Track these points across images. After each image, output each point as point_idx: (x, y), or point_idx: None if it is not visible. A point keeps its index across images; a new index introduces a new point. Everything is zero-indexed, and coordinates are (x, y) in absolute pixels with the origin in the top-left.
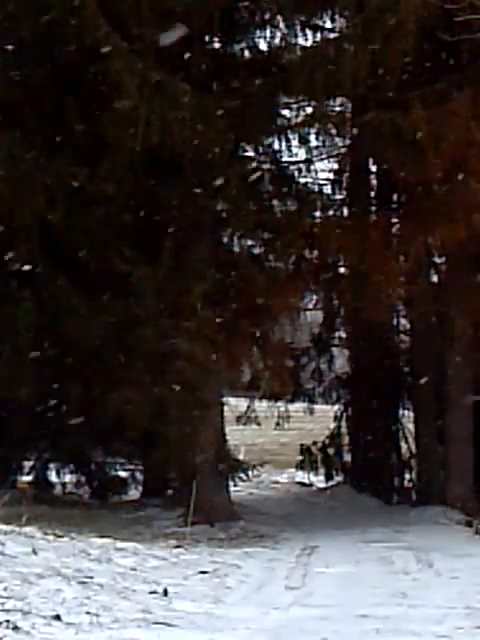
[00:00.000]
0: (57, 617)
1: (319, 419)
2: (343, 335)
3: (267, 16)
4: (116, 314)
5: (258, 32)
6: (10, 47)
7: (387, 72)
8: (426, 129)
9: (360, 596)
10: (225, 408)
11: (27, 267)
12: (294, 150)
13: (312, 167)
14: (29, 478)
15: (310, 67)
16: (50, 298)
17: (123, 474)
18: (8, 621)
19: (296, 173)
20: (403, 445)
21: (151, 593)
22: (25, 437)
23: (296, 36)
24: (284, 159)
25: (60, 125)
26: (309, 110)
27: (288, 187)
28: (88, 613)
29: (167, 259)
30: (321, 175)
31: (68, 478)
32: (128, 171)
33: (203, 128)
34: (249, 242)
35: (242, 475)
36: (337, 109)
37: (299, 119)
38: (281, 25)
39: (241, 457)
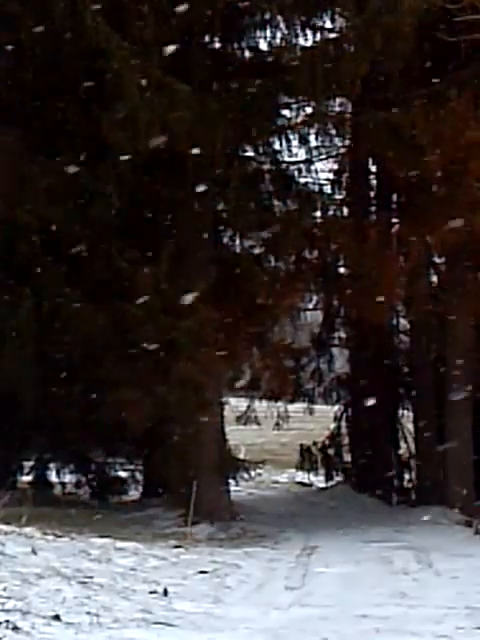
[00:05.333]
0: (57, 617)
1: (319, 419)
2: (343, 335)
3: (267, 16)
4: (116, 314)
5: (258, 32)
6: (10, 47)
7: (387, 72)
8: (426, 129)
9: (360, 596)
10: (225, 408)
11: (27, 267)
12: (294, 150)
13: (312, 167)
14: (29, 478)
15: (310, 67)
16: (50, 298)
17: (123, 474)
18: (8, 621)
19: (296, 173)
20: (403, 445)
21: (151, 593)
22: (25, 437)
23: (296, 36)
24: (284, 159)
25: (60, 125)
26: (309, 110)
27: (288, 187)
28: (88, 613)
29: (167, 259)
30: (321, 175)
31: (68, 478)
32: (128, 171)
33: (203, 128)
34: (249, 242)
35: (242, 475)
36: (337, 109)
37: (299, 119)
38: (281, 25)
39: (241, 457)
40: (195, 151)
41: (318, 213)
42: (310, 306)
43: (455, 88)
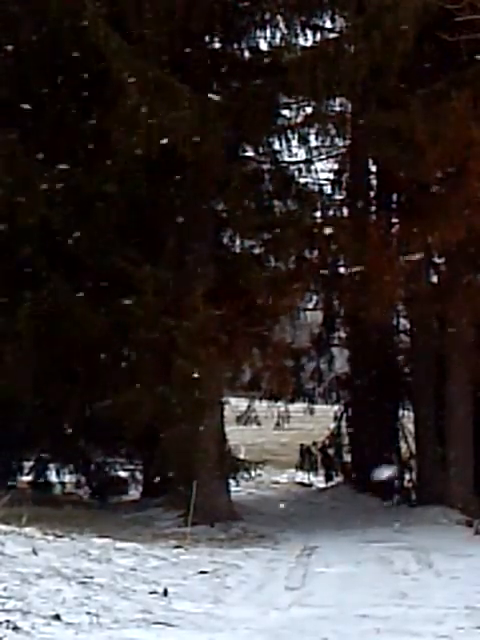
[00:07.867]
0: (57, 617)
1: (319, 419)
2: (343, 335)
3: (267, 16)
4: (116, 314)
5: (258, 32)
6: (10, 47)
7: (387, 72)
8: (425, 129)
9: (360, 596)
10: (225, 408)
11: (27, 267)
12: (294, 150)
13: (312, 167)
14: (29, 478)
15: (310, 67)
16: (50, 298)
17: (123, 474)
18: (8, 621)
19: (296, 173)
20: (403, 445)
21: (151, 593)
22: (25, 437)
23: (296, 36)
24: (284, 159)
25: (60, 125)
26: (309, 110)
27: (288, 187)
28: (88, 613)
29: (168, 259)
30: (321, 175)
31: (68, 478)
32: (128, 171)
33: (203, 128)
34: (249, 242)
35: (242, 475)
36: (337, 109)
37: (299, 119)
38: (281, 25)
39: (241, 457)
40: (195, 151)
41: (318, 213)
42: (310, 306)
43: (455, 88)
